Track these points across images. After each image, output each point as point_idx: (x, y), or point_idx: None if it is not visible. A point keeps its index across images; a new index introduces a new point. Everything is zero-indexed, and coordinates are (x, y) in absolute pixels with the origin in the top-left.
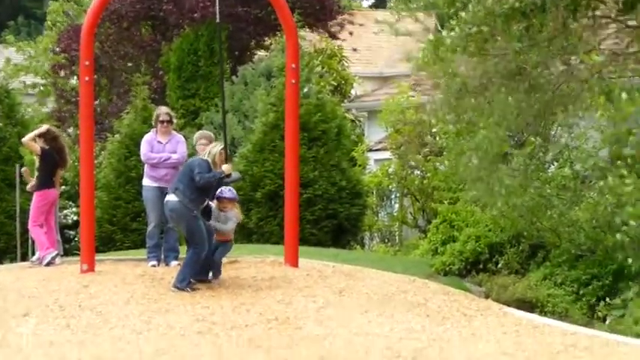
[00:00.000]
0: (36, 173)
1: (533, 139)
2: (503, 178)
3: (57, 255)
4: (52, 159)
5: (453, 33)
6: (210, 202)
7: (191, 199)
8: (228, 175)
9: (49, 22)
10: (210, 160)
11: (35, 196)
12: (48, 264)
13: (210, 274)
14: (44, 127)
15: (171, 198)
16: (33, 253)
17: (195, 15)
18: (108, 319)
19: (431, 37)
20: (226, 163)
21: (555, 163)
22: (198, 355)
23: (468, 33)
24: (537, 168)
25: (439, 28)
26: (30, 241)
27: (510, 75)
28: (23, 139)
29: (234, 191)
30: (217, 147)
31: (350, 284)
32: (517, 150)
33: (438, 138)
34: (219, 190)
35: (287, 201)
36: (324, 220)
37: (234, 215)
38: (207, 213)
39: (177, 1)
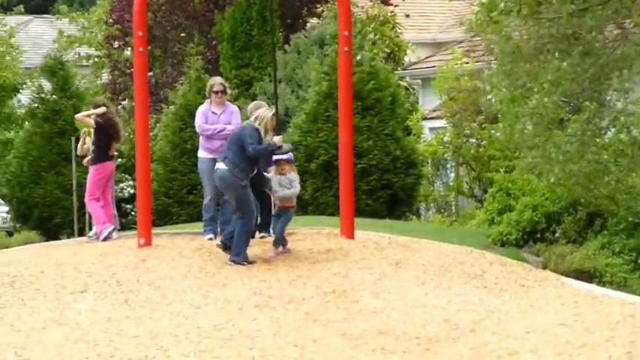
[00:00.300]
0: (92, 147)
1: (588, 104)
2: (561, 144)
3: (114, 230)
4: (107, 131)
5: None
6: (265, 174)
7: (240, 168)
8: (280, 147)
9: None
10: (261, 128)
11: (91, 170)
12: (105, 239)
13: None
14: (101, 109)
15: (220, 166)
16: (90, 228)
17: None
18: (166, 294)
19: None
20: (279, 133)
21: (612, 129)
22: (256, 329)
23: None
24: (593, 134)
25: None
26: (87, 216)
27: (564, 39)
28: (77, 115)
29: (290, 153)
30: (268, 112)
31: (406, 256)
32: (573, 115)
33: (494, 100)
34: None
35: (342, 172)
36: (379, 190)
37: (295, 177)
38: (264, 183)
39: None
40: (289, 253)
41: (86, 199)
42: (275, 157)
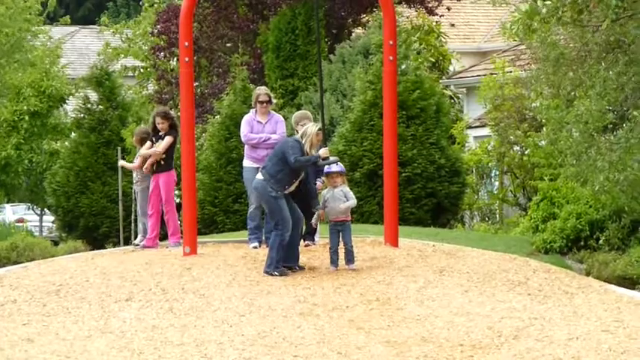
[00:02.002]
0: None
1: (635, 113)
2: (605, 152)
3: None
4: (176, 139)
5: (548, 2)
6: (314, 184)
7: (277, 180)
8: (325, 159)
9: (146, 5)
10: (306, 143)
11: (164, 178)
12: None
13: (345, 261)
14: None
15: (258, 176)
16: (135, 237)
17: None
18: (210, 302)
19: (526, 7)
20: (324, 144)
21: None
22: (300, 337)
23: (563, 3)
24: (638, 142)
25: None
26: (133, 224)
27: (608, 47)
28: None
29: (342, 165)
30: (314, 127)
31: (450, 263)
32: (618, 123)
33: (538, 107)
34: (327, 166)
35: (386, 180)
36: (423, 198)
37: (348, 190)
38: (311, 195)
39: None
40: (355, 268)
41: (169, 209)
42: (326, 170)
